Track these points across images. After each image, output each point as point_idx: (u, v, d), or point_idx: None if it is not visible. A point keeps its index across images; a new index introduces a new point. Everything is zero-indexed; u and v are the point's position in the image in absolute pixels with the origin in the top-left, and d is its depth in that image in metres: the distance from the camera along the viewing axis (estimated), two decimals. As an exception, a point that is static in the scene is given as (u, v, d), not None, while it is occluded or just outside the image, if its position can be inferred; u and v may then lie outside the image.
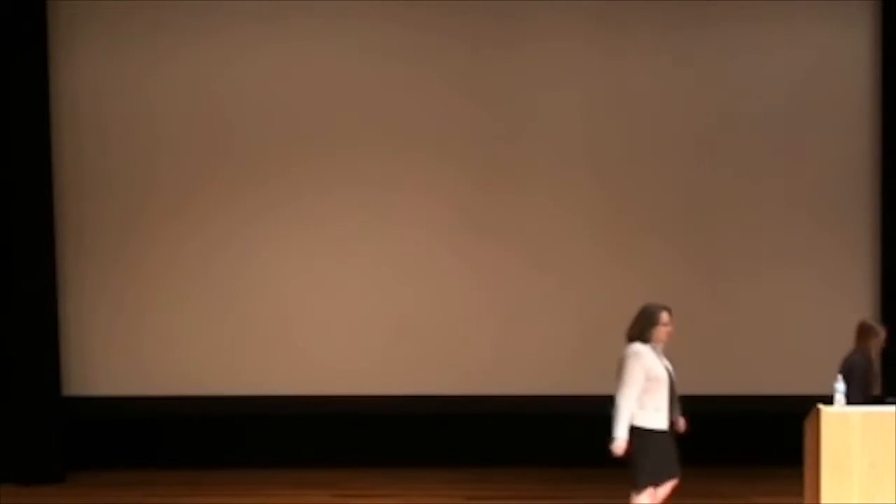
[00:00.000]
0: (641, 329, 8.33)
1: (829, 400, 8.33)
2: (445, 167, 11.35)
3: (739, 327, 11.32)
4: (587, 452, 11.34)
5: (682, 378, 11.23)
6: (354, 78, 11.27)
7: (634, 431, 8.25)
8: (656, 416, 8.26)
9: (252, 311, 11.31)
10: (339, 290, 11.34)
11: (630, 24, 11.31)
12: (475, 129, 11.34)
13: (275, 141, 11.29)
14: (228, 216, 11.29)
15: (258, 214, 11.31)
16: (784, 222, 11.46)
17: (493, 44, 11.30)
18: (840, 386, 8.33)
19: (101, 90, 11.18)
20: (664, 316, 8.33)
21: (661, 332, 8.32)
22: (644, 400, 8.23)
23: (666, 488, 8.38)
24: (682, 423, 8.36)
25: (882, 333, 9.37)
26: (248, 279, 11.32)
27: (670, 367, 8.37)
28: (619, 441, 8.20)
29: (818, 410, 8.23)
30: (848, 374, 8.58)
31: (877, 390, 9.22)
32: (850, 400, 8.37)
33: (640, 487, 8.37)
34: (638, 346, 8.28)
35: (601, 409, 11.32)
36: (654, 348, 8.32)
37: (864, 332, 9.03)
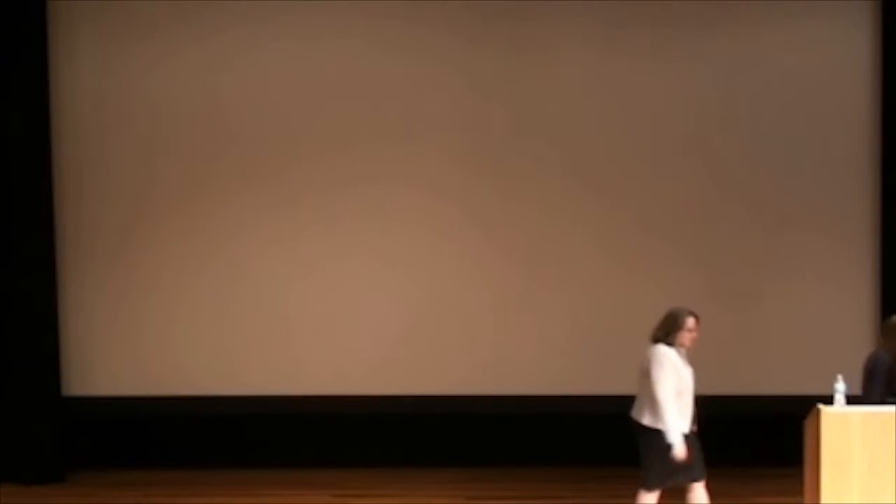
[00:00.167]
0: (666, 332, 8.37)
1: (829, 400, 8.33)
2: (448, 167, 11.34)
3: (739, 328, 11.31)
4: (587, 452, 11.42)
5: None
6: (356, 77, 11.26)
7: (653, 432, 8.26)
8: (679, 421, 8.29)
9: (252, 310, 11.31)
10: (339, 290, 11.34)
11: (631, 26, 11.30)
12: (479, 129, 11.33)
13: (275, 140, 11.29)
14: (229, 216, 11.29)
15: (259, 214, 11.30)
16: (784, 223, 11.45)
17: (498, 43, 11.28)
18: (840, 386, 8.33)
19: (101, 90, 11.18)
20: (690, 321, 8.37)
21: (686, 337, 8.37)
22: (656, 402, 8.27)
23: (699, 491, 8.40)
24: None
25: None
26: (248, 279, 11.31)
27: (692, 372, 8.39)
28: (677, 446, 8.21)
29: (818, 410, 8.24)
30: (872, 370, 8.57)
31: None
32: (872, 397, 8.37)
33: (649, 487, 8.38)
34: (663, 348, 8.30)
35: (601, 409, 11.38)
36: (678, 352, 8.34)
37: (891, 329, 8.97)
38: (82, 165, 11.17)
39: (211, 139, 11.26)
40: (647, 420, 8.38)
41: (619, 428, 11.37)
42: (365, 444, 11.41)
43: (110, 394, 11.26)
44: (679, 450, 8.24)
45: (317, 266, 11.34)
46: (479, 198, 11.37)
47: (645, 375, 8.40)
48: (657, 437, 8.28)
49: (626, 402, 11.27)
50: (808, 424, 8.37)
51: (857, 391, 8.65)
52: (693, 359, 11.12)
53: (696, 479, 8.43)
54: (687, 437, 8.32)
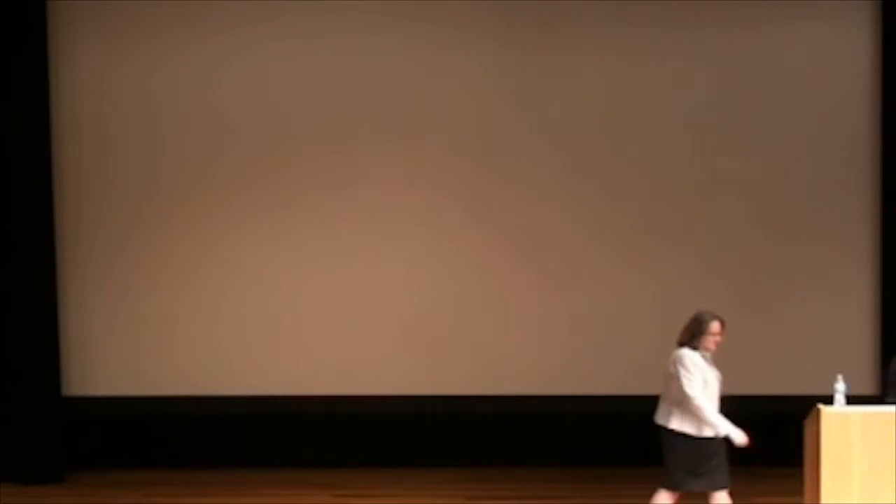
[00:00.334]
0: (691, 335, 8.39)
1: (829, 400, 8.34)
2: (448, 168, 11.34)
3: (739, 328, 11.28)
4: (587, 452, 11.42)
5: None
6: (357, 77, 11.26)
7: (678, 436, 8.27)
8: (701, 423, 8.28)
9: (253, 310, 11.31)
10: (339, 290, 11.34)
11: (630, 26, 11.29)
12: (480, 130, 11.33)
13: (275, 140, 11.29)
14: (229, 215, 11.29)
15: (259, 214, 11.30)
16: (784, 223, 11.45)
17: (499, 42, 11.28)
18: (840, 386, 8.33)
19: (101, 90, 11.18)
20: (715, 325, 8.38)
21: (710, 340, 8.38)
22: (690, 405, 8.27)
23: (722, 497, 8.41)
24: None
25: None
26: (248, 279, 11.31)
27: (719, 376, 8.40)
28: (736, 435, 8.22)
29: (818, 410, 8.24)
30: None
31: None
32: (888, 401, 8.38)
33: (671, 488, 8.37)
34: (688, 351, 8.32)
35: (601, 409, 11.39)
36: (703, 355, 8.35)
37: None
38: (82, 165, 11.17)
39: (211, 139, 11.26)
40: (673, 424, 8.37)
41: (620, 428, 11.43)
42: (365, 444, 11.41)
43: (110, 394, 11.26)
44: (739, 437, 8.24)
45: (317, 266, 11.34)
46: (480, 198, 11.37)
47: (669, 379, 8.40)
48: (681, 441, 8.29)
49: (627, 402, 11.32)
50: (808, 424, 8.37)
51: (857, 391, 8.66)
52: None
53: (720, 487, 8.43)
54: (714, 442, 8.31)
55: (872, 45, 11.36)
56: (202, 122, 11.25)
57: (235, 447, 11.39)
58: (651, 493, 9.57)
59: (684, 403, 8.28)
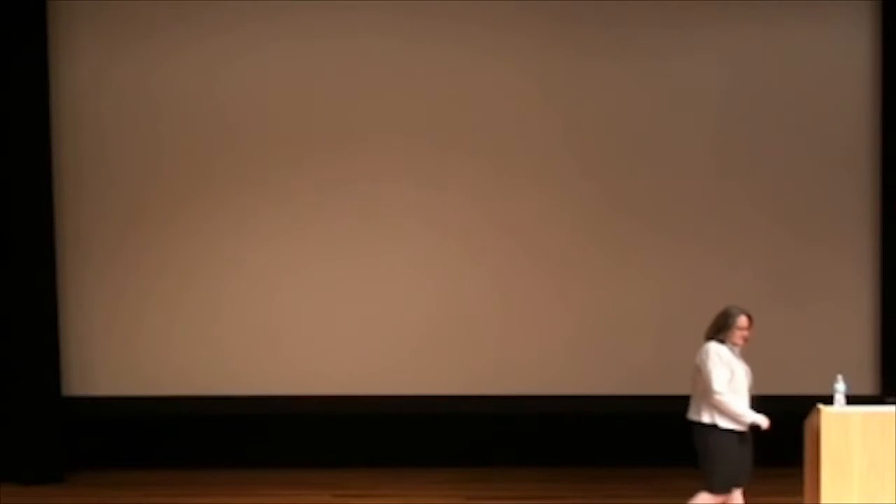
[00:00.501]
0: (718, 329, 8.40)
1: (829, 400, 8.34)
2: (452, 167, 11.33)
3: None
4: (587, 452, 11.42)
5: (681, 378, 11.26)
6: (358, 76, 11.26)
7: (711, 429, 8.26)
8: (735, 420, 8.29)
9: (252, 311, 11.30)
10: (339, 290, 11.34)
11: (632, 26, 11.30)
12: (486, 128, 11.32)
13: (274, 140, 11.28)
14: (229, 215, 11.29)
15: (259, 213, 11.30)
16: (784, 222, 11.45)
17: (503, 42, 11.28)
18: (840, 386, 8.33)
19: (101, 90, 11.17)
20: (742, 320, 8.39)
21: (737, 335, 8.39)
22: (711, 398, 8.28)
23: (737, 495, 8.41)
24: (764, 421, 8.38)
25: None
26: (247, 279, 11.31)
27: (748, 370, 8.40)
28: (762, 421, 8.25)
29: (818, 410, 8.24)
30: None
31: None
32: None
33: (714, 490, 8.36)
34: (715, 346, 8.33)
35: (601, 409, 11.38)
36: (731, 349, 8.36)
37: None
38: (82, 165, 11.17)
39: (210, 139, 11.26)
40: (705, 418, 8.36)
41: (620, 428, 11.44)
42: (365, 444, 11.41)
43: (110, 394, 11.26)
44: (764, 422, 8.26)
45: (317, 265, 11.34)
46: (484, 197, 11.36)
47: (697, 373, 8.40)
48: (713, 435, 8.28)
49: (627, 402, 11.34)
50: (808, 424, 8.38)
51: (857, 391, 8.67)
52: (694, 358, 11.13)
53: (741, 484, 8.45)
54: (742, 438, 8.31)
55: (872, 45, 11.36)
56: (202, 121, 11.25)
57: (235, 447, 11.39)
58: (651, 494, 9.61)
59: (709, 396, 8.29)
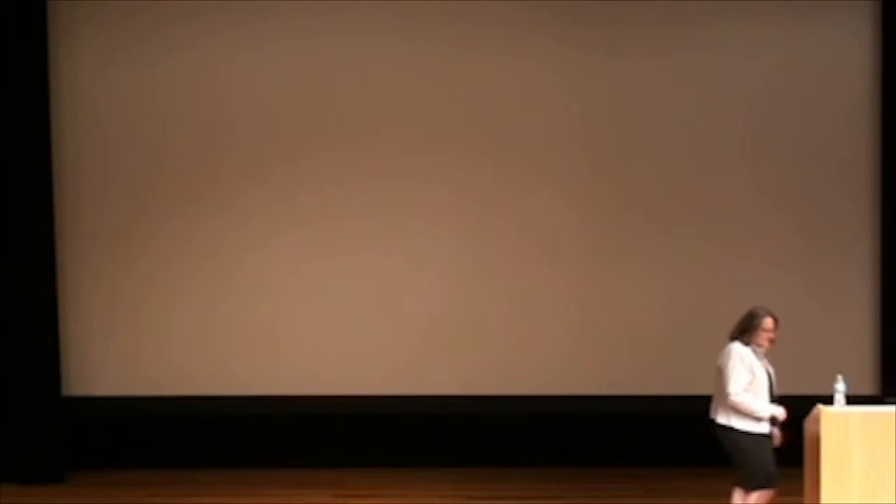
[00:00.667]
0: (742, 331, 8.41)
1: (829, 400, 8.34)
2: (455, 166, 11.32)
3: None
4: (587, 452, 11.42)
5: (681, 378, 11.29)
6: (358, 74, 11.26)
7: (732, 433, 8.27)
8: (754, 420, 8.28)
9: (253, 311, 11.30)
10: (340, 290, 11.34)
11: (632, 25, 11.30)
12: (488, 126, 11.32)
13: (275, 139, 11.28)
14: (229, 215, 11.29)
15: (259, 212, 11.30)
16: (784, 223, 11.45)
17: (506, 41, 11.28)
18: (840, 386, 8.33)
19: (101, 89, 11.18)
20: (767, 322, 8.40)
21: (762, 337, 8.40)
22: (727, 398, 8.29)
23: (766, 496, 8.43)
24: (777, 434, 8.41)
25: None
26: (248, 279, 11.31)
27: (772, 371, 8.40)
28: (778, 412, 8.30)
29: (818, 410, 8.24)
30: None
31: None
32: None
33: (749, 489, 8.38)
34: (738, 346, 8.33)
35: (602, 409, 11.38)
36: (755, 351, 8.36)
37: None
38: (82, 165, 11.17)
39: (210, 139, 11.26)
40: (722, 419, 8.40)
41: (620, 428, 11.44)
42: (365, 444, 11.41)
43: (110, 394, 11.26)
44: (781, 413, 8.30)
45: (317, 265, 11.33)
46: (488, 196, 11.35)
47: (719, 374, 8.41)
48: (731, 436, 8.29)
49: (627, 402, 11.34)
50: (808, 424, 8.37)
51: (857, 391, 8.67)
52: (694, 358, 11.13)
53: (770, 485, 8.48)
54: (766, 438, 8.31)
55: (872, 46, 11.36)
56: (201, 121, 11.25)
57: (235, 447, 11.39)
58: (651, 494, 9.61)
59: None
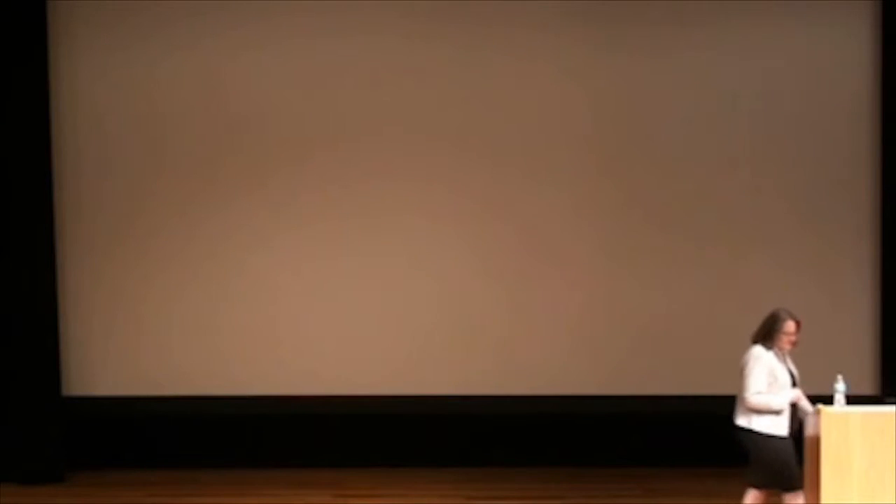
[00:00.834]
0: (765, 334, 8.41)
1: (829, 400, 8.34)
2: (459, 165, 11.31)
3: (740, 328, 11.28)
4: (587, 452, 11.41)
5: (681, 377, 11.28)
6: (357, 74, 11.25)
7: (752, 435, 8.27)
8: (776, 421, 8.29)
9: (253, 310, 11.30)
10: (339, 290, 11.33)
11: (634, 24, 11.30)
12: (490, 127, 11.31)
13: (275, 139, 11.28)
14: (229, 215, 11.28)
15: (258, 213, 11.30)
16: (784, 224, 11.44)
17: (503, 39, 11.28)
18: (840, 386, 8.33)
19: (101, 90, 11.17)
20: (789, 325, 8.40)
21: (784, 340, 8.40)
22: (746, 402, 8.29)
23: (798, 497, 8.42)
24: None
25: None
26: (248, 279, 11.31)
27: (795, 373, 8.40)
28: (791, 395, 8.26)
29: (818, 410, 8.24)
30: None
31: None
32: None
33: (759, 488, 8.38)
34: (759, 350, 8.34)
35: (602, 409, 11.38)
36: (777, 353, 8.35)
37: None
38: (82, 166, 11.17)
39: (210, 139, 11.25)
40: (742, 421, 8.40)
41: (620, 428, 11.44)
42: (365, 444, 11.41)
43: (110, 394, 11.26)
44: (793, 395, 8.27)
45: (317, 265, 11.33)
46: (488, 196, 11.34)
47: (741, 377, 8.41)
48: (751, 438, 8.29)
49: (627, 402, 11.33)
50: (808, 424, 8.37)
51: (857, 391, 8.67)
52: (694, 358, 11.15)
53: (793, 488, 8.46)
54: (786, 440, 8.31)
55: (872, 45, 11.36)
56: (201, 121, 11.25)
57: (236, 447, 11.39)
58: (650, 494, 9.60)
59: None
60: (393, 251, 11.35)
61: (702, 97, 11.39)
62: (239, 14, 11.17)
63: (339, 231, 11.32)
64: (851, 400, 8.34)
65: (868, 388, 11.01)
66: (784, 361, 8.41)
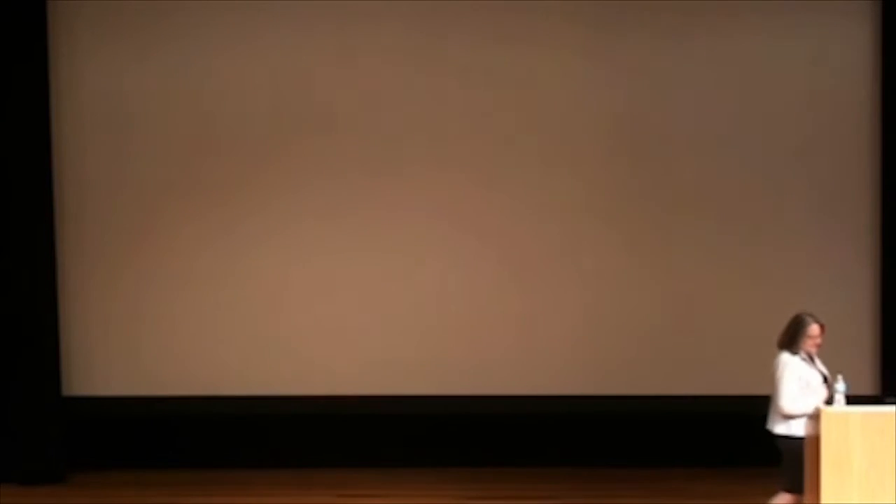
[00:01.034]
0: (790, 339, 8.43)
1: (829, 400, 8.34)
2: (462, 165, 11.30)
3: (739, 327, 11.31)
4: (587, 452, 11.41)
5: (682, 377, 11.28)
6: (354, 69, 11.24)
7: (791, 441, 8.28)
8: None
9: (254, 311, 11.29)
10: (339, 290, 11.33)
11: (631, 25, 11.29)
12: (494, 128, 11.29)
13: (276, 136, 11.26)
14: (230, 214, 11.27)
15: (260, 211, 11.28)
16: (784, 222, 11.44)
17: (501, 38, 11.26)
18: (840, 386, 8.33)
19: (102, 90, 11.17)
20: (813, 329, 8.44)
21: (808, 343, 8.43)
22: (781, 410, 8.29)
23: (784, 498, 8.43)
24: None
25: None
26: (248, 278, 11.30)
27: (826, 373, 8.40)
28: (818, 399, 8.25)
29: (818, 410, 8.24)
30: None
31: None
32: None
33: (793, 492, 8.39)
34: (786, 356, 8.36)
35: (601, 409, 11.38)
36: (804, 357, 8.36)
37: None
38: (83, 166, 11.17)
39: (211, 137, 11.25)
40: (778, 428, 8.42)
41: (620, 428, 11.43)
42: (367, 444, 11.40)
43: (111, 394, 11.26)
44: (820, 398, 8.28)
45: (318, 264, 11.33)
46: (490, 196, 11.33)
47: (774, 385, 8.44)
48: (792, 445, 8.30)
49: (627, 402, 11.32)
50: (808, 424, 8.37)
51: (857, 391, 8.66)
52: (694, 358, 11.14)
53: None
54: None
55: (872, 45, 11.35)
56: (202, 120, 11.24)
57: (236, 447, 11.39)
58: (650, 494, 9.59)
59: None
60: (395, 250, 11.33)
61: (699, 98, 11.35)
62: (242, 12, 11.16)
63: (340, 230, 11.31)
64: (851, 400, 8.34)
65: (868, 388, 11.00)
66: (813, 364, 8.45)
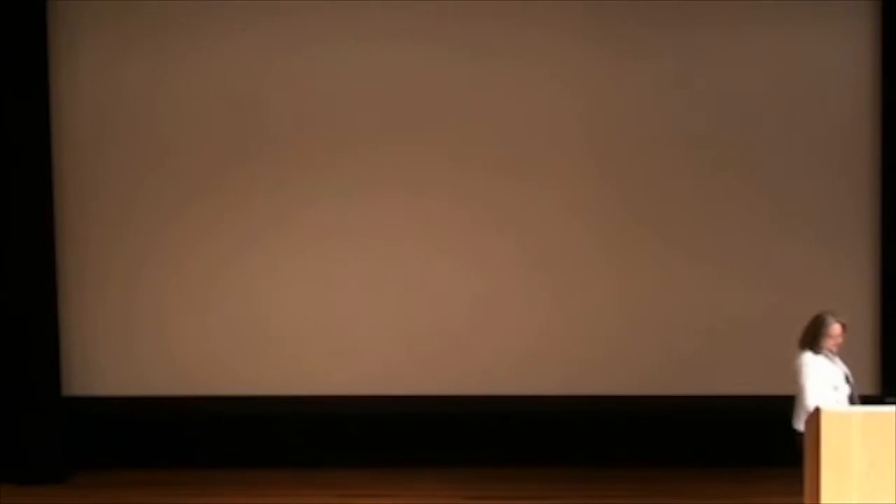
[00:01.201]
0: (811, 339, 8.42)
1: (850, 398, 8.35)
2: (464, 166, 11.29)
3: (739, 327, 11.31)
4: (588, 452, 11.41)
5: (682, 378, 11.28)
6: (366, 76, 11.24)
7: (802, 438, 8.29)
8: None
9: (254, 311, 11.30)
10: (340, 290, 11.33)
11: (632, 25, 11.28)
12: (496, 128, 11.29)
13: (276, 136, 11.26)
14: (230, 214, 11.27)
15: (259, 211, 11.28)
16: (783, 223, 11.44)
17: (505, 47, 11.27)
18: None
19: (101, 90, 11.17)
20: (835, 328, 8.42)
21: (829, 342, 8.42)
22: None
23: None
24: None
25: None
26: (249, 278, 11.30)
27: (849, 373, 8.40)
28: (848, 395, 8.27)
29: (818, 410, 8.23)
30: None
31: None
32: None
33: None
34: (808, 356, 8.36)
35: (601, 409, 11.38)
36: (826, 356, 8.36)
37: None
38: (82, 166, 11.17)
39: (209, 139, 11.24)
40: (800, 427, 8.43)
41: (619, 428, 11.43)
42: (367, 444, 11.40)
43: (111, 394, 11.26)
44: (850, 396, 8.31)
45: (318, 265, 11.32)
46: (492, 198, 11.33)
47: (797, 385, 8.43)
48: None
49: (627, 402, 11.33)
50: (808, 424, 8.37)
51: (857, 391, 8.66)
52: (694, 358, 11.14)
53: None
54: None
55: (872, 45, 11.35)
56: (201, 121, 11.24)
57: (237, 447, 11.38)
58: (650, 494, 9.59)
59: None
60: (396, 253, 11.33)
61: (698, 99, 11.35)
62: (243, 14, 11.16)
63: (340, 230, 11.30)
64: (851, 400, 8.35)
65: (868, 388, 10.99)
66: (834, 363, 8.45)
